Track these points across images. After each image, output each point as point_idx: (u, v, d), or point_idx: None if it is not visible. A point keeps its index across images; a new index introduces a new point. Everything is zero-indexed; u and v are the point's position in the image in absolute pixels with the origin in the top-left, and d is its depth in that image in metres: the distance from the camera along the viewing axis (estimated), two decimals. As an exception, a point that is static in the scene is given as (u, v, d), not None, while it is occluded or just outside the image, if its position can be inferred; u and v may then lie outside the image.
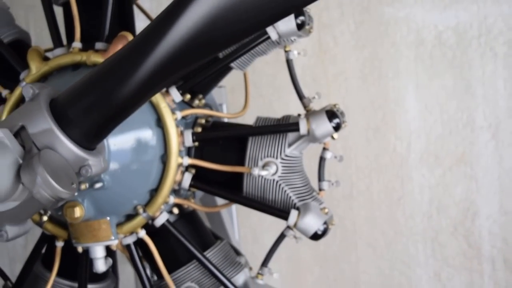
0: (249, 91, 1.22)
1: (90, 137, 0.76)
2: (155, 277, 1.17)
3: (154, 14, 1.29)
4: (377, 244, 1.84)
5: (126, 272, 1.39)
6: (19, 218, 0.76)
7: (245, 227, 1.55)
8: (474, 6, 1.71)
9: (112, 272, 1.22)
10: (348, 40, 1.78)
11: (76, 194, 0.88)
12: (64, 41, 1.10)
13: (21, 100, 1.01)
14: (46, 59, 1.05)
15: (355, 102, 1.77)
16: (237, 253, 1.17)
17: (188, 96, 1.06)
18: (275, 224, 1.77)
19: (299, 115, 1.07)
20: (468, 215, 1.78)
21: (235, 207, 1.55)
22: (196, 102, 1.09)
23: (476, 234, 1.77)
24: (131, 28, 1.12)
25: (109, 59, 0.73)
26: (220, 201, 1.40)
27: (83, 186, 0.93)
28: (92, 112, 0.74)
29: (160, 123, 1.01)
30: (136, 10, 1.18)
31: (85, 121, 0.75)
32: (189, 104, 1.08)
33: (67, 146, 0.74)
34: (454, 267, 1.80)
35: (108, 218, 1.00)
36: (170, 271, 1.08)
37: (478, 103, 1.73)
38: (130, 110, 0.76)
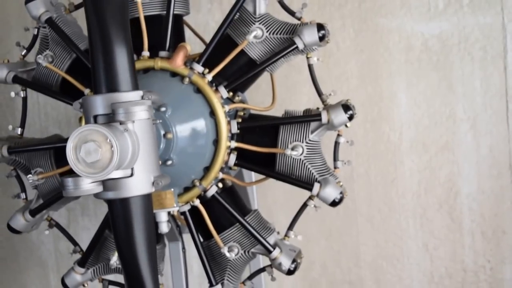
0: (276, 89, 1.36)
1: (129, 81, 0.93)
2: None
3: (196, 28, 1.49)
4: (374, 219, 1.90)
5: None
6: (152, 157, 0.94)
7: (261, 207, 1.63)
8: (455, 18, 1.77)
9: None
10: (348, 46, 1.86)
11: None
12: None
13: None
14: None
15: (355, 99, 1.71)
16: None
17: (230, 94, 1.23)
18: (286, 204, 1.95)
19: (317, 108, 1.23)
20: (451, 194, 1.84)
21: (255, 189, 1.65)
22: (236, 98, 1.26)
23: (458, 210, 1.83)
24: (182, 38, 1.32)
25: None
26: (246, 180, 1.55)
27: (157, 163, 1.13)
28: (110, 68, 0.92)
29: (212, 115, 1.18)
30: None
31: (113, 77, 0.92)
32: (231, 100, 1.25)
33: (122, 95, 0.92)
34: (439, 238, 1.86)
35: (173, 189, 1.17)
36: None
37: (459, 99, 1.79)
38: (125, 38, 0.92)
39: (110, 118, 0.92)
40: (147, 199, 0.96)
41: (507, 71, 1.77)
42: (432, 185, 1.86)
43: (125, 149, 0.89)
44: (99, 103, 0.93)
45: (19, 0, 2.05)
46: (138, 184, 0.93)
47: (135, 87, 0.95)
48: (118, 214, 0.95)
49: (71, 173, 1.12)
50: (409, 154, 1.86)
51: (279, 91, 1.80)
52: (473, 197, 1.84)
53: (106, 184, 0.93)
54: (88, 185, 0.90)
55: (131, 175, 0.93)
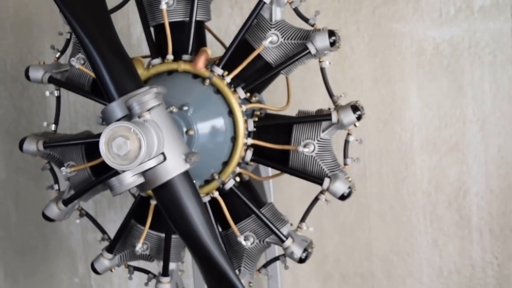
0: (291, 90, 1.41)
1: (133, 82, 1.03)
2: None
3: (218, 31, 1.57)
4: (386, 216, 1.93)
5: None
6: (175, 137, 1.01)
7: (278, 201, 1.62)
8: (465, 23, 1.79)
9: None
10: (363, 50, 1.89)
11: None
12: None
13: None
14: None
15: (368, 100, 1.86)
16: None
17: (248, 94, 1.30)
18: (302, 200, 2.01)
19: (329, 109, 1.28)
20: (460, 192, 1.86)
21: (272, 184, 1.70)
22: (253, 98, 1.32)
23: (466, 208, 1.85)
24: (204, 43, 1.39)
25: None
26: (263, 175, 1.58)
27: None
28: (114, 77, 1.01)
29: (231, 114, 1.26)
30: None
31: (119, 84, 1.01)
32: (248, 100, 1.32)
33: (132, 94, 1.00)
34: (448, 235, 1.88)
35: (194, 181, 1.18)
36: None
37: (468, 101, 1.81)
38: (117, 47, 1.03)
39: (129, 117, 1.00)
40: (186, 176, 1.03)
41: (516, 75, 1.78)
42: (442, 183, 1.88)
43: (150, 136, 0.97)
44: (116, 108, 1.01)
45: (50, 5, 2.17)
46: (173, 165, 1.00)
47: (141, 84, 1.04)
48: (166, 199, 1.01)
49: (101, 166, 1.21)
50: (420, 153, 1.88)
51: (296, 92, 1.91)
52: (482, 196, 1.85)
53: (146, 175, 0.99)
54: (130, 178, 0.97)
55: (164, 159, 1.00)
